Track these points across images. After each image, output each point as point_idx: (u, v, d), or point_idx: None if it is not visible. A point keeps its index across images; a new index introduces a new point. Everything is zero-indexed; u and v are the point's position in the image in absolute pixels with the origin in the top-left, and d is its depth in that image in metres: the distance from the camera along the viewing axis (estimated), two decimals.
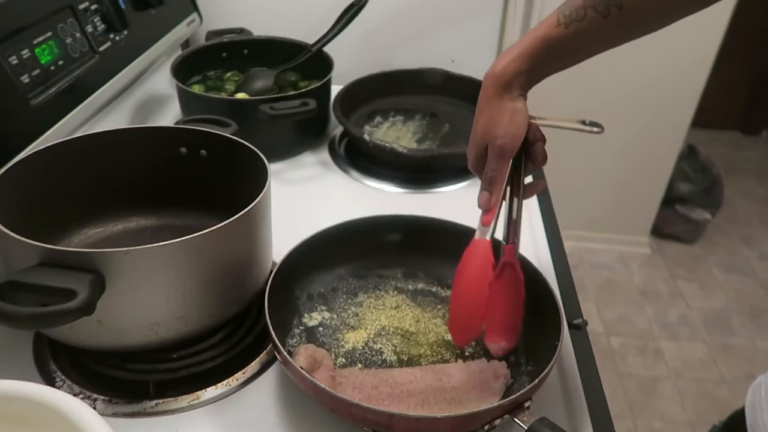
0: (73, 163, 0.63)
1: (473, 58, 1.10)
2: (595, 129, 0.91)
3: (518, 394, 0.48)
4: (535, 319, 0.59)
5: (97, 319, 0.50)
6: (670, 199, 2.25)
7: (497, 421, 0.48)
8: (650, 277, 2.17)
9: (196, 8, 1.04)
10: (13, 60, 0.63)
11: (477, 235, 0.56)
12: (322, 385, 0.47)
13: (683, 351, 1.86)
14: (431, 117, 1.00)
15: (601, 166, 2.10)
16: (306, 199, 0.82)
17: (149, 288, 0.50)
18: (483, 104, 0.53)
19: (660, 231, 2.31)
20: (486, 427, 0.48)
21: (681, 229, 2.29)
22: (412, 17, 1.08)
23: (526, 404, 0.49)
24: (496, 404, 0.47)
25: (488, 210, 0.55)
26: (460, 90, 1.03)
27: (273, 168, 0.59)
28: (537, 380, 0.50)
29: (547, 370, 0.50)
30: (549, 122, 0.92)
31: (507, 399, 0.48)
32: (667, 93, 1.91)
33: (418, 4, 1.07)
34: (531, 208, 0.82)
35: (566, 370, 0.59)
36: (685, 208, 2.26)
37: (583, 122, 0.92)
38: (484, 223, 0.55)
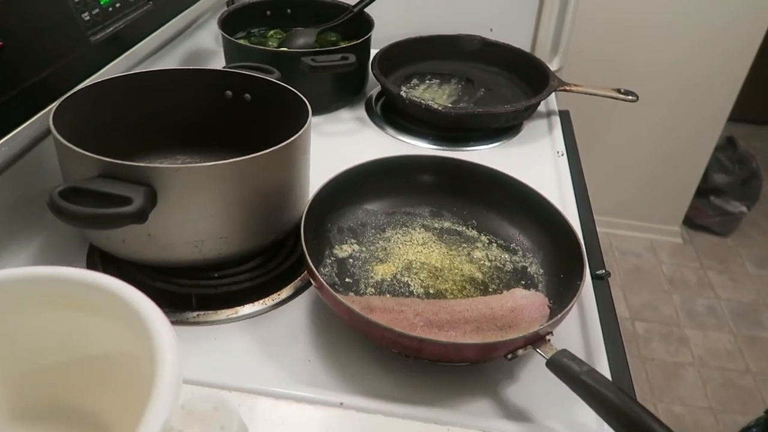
0: (124, 99, 0.67)
1: (511, 27, 1.11)
2: (630, 97, 0.92)
3: (541, 327, 0.50)
4: (560, 265, 0.61)
5: (147, 233, 0.54)
6: (705, 190, 2.22)
7: (520, 351, 0.50)
8: (679, 266, 2.15)
9: None
10: None
11: None
12: (356, 310, 0.50)
13: (709, 340, 1.85)
14: (466, 82, 1.02)
15: (634, 153, 2.08)
16: (342, 150, 0.85)
17: (196, 206, 0.54)
18: None
19: (692, 222, 2.28)
20: (509, 356, 0.50)
21: (714, 221, 2.25)
22: None
23: (548, 338, 0.51)
24: (519, 335, 0.50)
25: None
26: (497, 57, 1.04)
27: (312, 120, 0.62)
28: (559, 315, 0.51)
29: (569, 306, 0.52)
30: (585, 89, 0.94)
31: (530, 331, 0.50)
32: (707, 80, 1.88)
33: None
34: (561, 167, 0.83)
35: (587, 317, 0.61)
36: (720, 199, 2.23)
37: (619, 91, 0.93)
38: None
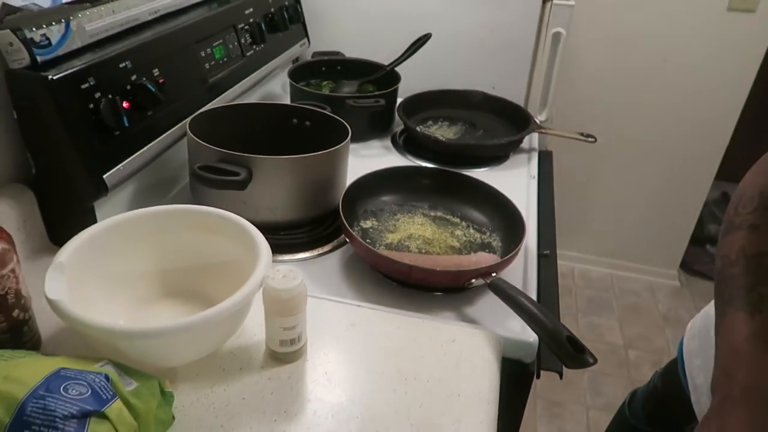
0: (227, 119, 1.01)
1: (509, 85, 1.43)
2: (590, 139, 1.22)
3: (489, 265, 0.79)
4: (513, 240, 0.89)
5: (243, 201, 0.86)
6: (701, 239, 2.45)
7: (474, 281, 0.78)
8: (675, 306, 2.36)
9: (306, 35, 1.43)
10: (202, 53, 1.02)
11: None
12: (371, 247, 0.80)
13: None
14: (470, 125, 1.33)
15: (633, 203, 2.34)
16: (371, 167, 1.16)
17: (275, 183, 0.85)
18: None
19: (691, 267, 2.50)
20: (466, 284, 0.78)
21: (710, 267, 2.46)
22: (464, 51, 1.42)
23: (493, 274, 0.79)
24: (474, 268, 0.78)
25: None
26: (495, 108, 1.35)
27: (350, 146, 0.93)
28: (503, 259, 0.80)
29: (510, 255, 0.81)
30: (554, 132, 1.24)
31: (482, 267, 0.78)
32: (694, 140, 2.16)
33: (470, 41, 1.42)
34: (531, 186, 1.12)
35: (528, 281, 0.88)
36: (715, 248, 2.44)
37: (581, 134, 1.23)
38: None
